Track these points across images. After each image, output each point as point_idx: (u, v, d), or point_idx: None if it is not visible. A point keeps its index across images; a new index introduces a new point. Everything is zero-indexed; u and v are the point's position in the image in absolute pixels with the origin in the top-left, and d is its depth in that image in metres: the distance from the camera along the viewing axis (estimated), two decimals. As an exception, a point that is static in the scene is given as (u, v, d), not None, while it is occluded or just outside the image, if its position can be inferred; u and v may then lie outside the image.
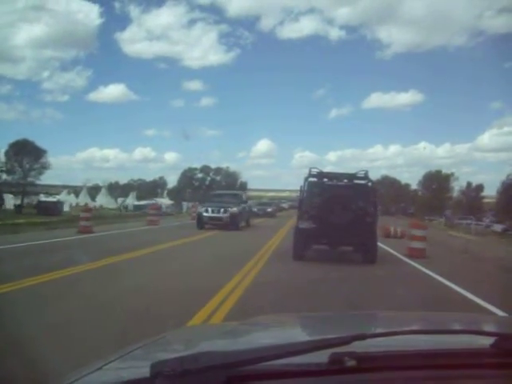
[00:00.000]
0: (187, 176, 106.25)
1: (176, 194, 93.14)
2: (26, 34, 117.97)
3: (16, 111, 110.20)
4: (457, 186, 77.95)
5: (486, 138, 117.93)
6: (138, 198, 65.94)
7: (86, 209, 20.93)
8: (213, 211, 23.63)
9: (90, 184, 73.01)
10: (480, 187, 78.07)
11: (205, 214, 23.64)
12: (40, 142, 57.18)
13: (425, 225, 15.75)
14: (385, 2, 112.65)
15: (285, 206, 76.05)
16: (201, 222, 23.55)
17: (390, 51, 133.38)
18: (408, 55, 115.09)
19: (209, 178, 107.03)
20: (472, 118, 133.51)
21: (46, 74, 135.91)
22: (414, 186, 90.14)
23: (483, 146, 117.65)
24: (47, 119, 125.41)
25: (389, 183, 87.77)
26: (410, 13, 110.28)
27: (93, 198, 68.88)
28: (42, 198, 56.04)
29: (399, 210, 79.73)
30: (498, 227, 45.96)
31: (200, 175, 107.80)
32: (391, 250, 16.07)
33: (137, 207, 47.12)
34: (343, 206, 12.16)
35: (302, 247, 12.83)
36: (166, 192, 71.80)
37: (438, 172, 76.58)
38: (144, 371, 1.18)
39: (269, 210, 46.09)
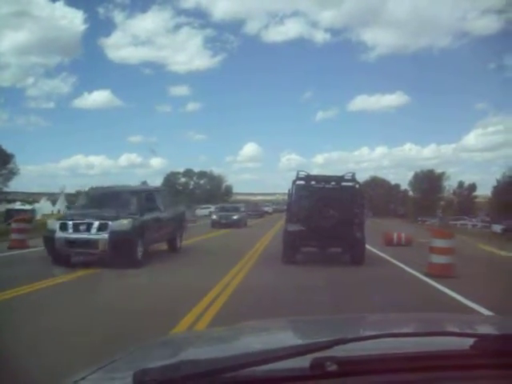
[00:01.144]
0: (170, 180, 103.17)
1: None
2: (10, 40, 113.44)
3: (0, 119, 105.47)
4: (448, 186, 75.44)
5: (472, 138, 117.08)
6: None
7: (19, 219, 16.82)
8: (76, 228, 11.59)
9: (67, 191, 69.60)
10: (473, 187, 75.91)
11: (60, 235, 11.56)
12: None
13: (451, 233, 12.25)
14: (369, 5, 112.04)
15: (268, 209, 67.84)
16: (53, 250, 11.70)
17: (374, 53, 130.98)
18: (393, 57, 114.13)
19: (192, 182, 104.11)
20: (457, 118, 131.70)
21: (30, 80, 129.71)
22: (402, 187, 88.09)
23: (468, 146, 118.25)
24: (32, 126, 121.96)
25: (378, 184, 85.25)
26: (394, 15, 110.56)
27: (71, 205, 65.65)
28: (18, 205, 53.27)
29: (389, 211, 77.14)
30: (497, 228, 43.26)
31: (183, 179, 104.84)
32: (403, 266, 12.77)
33: None
34: (331, 208, 12.33)
35: (291, 250, 12.92)
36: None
37: (430, 171, 73.93)
38: (126, 381, 1.19)
39: (235, 217, 32.39)
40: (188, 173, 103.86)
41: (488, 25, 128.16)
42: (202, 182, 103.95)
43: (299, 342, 1.87)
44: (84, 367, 1.46)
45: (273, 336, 2.08)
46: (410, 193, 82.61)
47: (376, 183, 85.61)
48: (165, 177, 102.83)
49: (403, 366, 1.30)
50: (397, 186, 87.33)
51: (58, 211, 57.33)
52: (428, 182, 71.75)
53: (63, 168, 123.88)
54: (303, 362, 1.23)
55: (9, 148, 58.68)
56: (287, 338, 2.06)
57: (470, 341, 1.36)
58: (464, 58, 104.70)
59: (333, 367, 1.23)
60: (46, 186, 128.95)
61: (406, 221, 61.32)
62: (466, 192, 75.91)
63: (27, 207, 50.61)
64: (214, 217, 33.03)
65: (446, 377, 1.31)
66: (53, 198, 69.12)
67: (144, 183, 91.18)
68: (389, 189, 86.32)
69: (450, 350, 1.39)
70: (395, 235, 19.97)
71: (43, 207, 57.88)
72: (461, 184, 76.91)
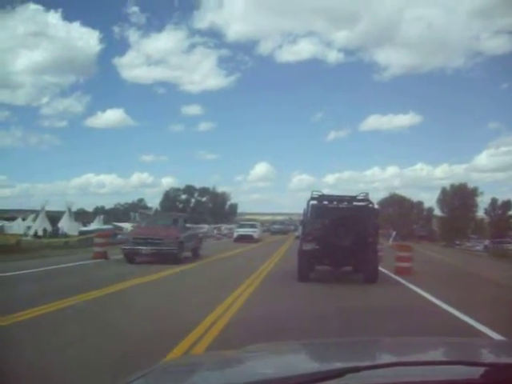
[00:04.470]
0: (170, 197, 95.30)
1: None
2: (26, 59, 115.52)
3: (14, 137, 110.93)
4: (481, 203, 66.47)
5: (484, 159, 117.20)
6: (106, 222, 56.44)
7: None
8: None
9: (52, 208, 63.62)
10: (507, 205, 67.15)
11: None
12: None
13: None
14: (383, 25, 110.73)
15: (252, 232, 39.10)
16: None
17: (387, 73, 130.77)
18: (406, 77, 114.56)
19: (193, 200, 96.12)
20: (469, 138, 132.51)
21: (44, 99, 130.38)
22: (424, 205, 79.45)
23: (480, 167, 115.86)
24: (45, 145, 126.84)
25: (398, 202, 76.57)
26: (407, 35, 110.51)
27: (54, 224, 59.09)
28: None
29: (413, 232, 68.14)
30: None
31: (184, 196, 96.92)
32: None
33: (83, 234, 36.60)
34: (346, 228, 12.62)
35: (306, 269, 13.17)
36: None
37: (462, 186, 64.88)
38: None
39: None
40: (189, 189, 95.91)
41: (501, 45, 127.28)
42: (203, 199, 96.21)
43: (310, 367, 1.80)
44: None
45: (283, 360, 2.03)
46: (435, 211, 73.79)
47: (396, 201, 77.05)
48: (164, 193, 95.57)
49: None
50: (419, 203, 78.60)
51: (36, 232, 51.23)
52: (460, 198, 62.89)
53: (73, 186, 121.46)
54: None
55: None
56: (298, 363, 1.99)
57: (481, 370, 1.36)
58: (477, 77, 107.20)
59: None
60: (56, 203, 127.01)
61: (438, 244, 52.62)
62: (501, 211, 67.16)
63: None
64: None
65: None
66: (35, 214, 63.60)
67: (140, 200, 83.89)
68: (410, 207, 77.58)
69: (460, 379, 1.42)
70: None
71: (17, 225, 52.66)
72: (494, 201, 68.18)
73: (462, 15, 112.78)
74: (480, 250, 42.28)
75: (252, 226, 41.67)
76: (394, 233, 38.09)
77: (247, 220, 58.10)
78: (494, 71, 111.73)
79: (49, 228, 56.10)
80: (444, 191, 67.12)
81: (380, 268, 15.89)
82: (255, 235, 38.49)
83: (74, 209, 68.31)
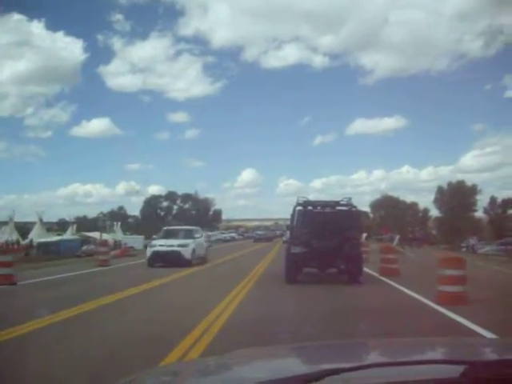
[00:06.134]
0: (150, 205, 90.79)
1: (136, 225, 78.69)
2: (10, 70, 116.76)
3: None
4: (480, 202, 62.81)
5: (469, 160, 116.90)
6: (77, 232, 52.76)
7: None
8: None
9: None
10: (507, 202, 63.48)
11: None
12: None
13: None
14: (367, 29, 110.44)
15: (178, 248, 20.94)
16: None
17: (373, 77, 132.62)
18: (391, 80, 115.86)
19: (176, 207, 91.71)
20: (454, 140, 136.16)
21: (29, 110, 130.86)
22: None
23: (466, 168, 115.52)
24: (30, 156, 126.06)
25: (392, 203, 72.83)
26: (392, 39, 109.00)
27: (24, 235, 54.94)
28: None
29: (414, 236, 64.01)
30: None
31: (166, 203, 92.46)
32: None
33: (43, 245, 32.63)
34: (331, 231, 13.62)
35: (293, 271, 13.83)
36: (119, 224, 55.81)
37: (460, 184, 61.14)
38: None
39: None
40: (171, 196, 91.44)
41: (483, 47, 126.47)
42: (186, 205, 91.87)
43: (293, 371, 1.73)
44: None
45: (267, 365, 2.05)
46: (431, 212, 70.14)
47: (389, 203, 73.36)
48: (144, 200, 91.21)
49: None
50: (414, 204, 74.83)
51: (6, 242, 48.20)
52: (459, 197, 59.11)
53: (60, 197, 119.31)
54: None
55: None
56: (282, 367, 1.99)
57: (462, 368, 1.35)
58: (461, 79, 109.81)
59: None
60: (44, 214, 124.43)
61: (439, 248, 48.67)
62: (501, 210, 63.51)
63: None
64: None
65: None
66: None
67: (120, 209, 79.50)
68: (404, 209, 73.83)
69: (440, 378, 1.40)
70: None
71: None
72: (493, 200, 64.52)
73: (445, 18, 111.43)
74: (494, 253, 38.14)
75: (185, 236, 22.71)
76: (397, 237, 34.17)
77: (237, 227, 52.88)
78: (477, 73, 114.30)
79: (20, 239, 52.42)
80: (440, 190, 63.51)
81: (411, 293, 11.14)
82: (186, 253, 20.99)
83: (54, 219, 64.98)
